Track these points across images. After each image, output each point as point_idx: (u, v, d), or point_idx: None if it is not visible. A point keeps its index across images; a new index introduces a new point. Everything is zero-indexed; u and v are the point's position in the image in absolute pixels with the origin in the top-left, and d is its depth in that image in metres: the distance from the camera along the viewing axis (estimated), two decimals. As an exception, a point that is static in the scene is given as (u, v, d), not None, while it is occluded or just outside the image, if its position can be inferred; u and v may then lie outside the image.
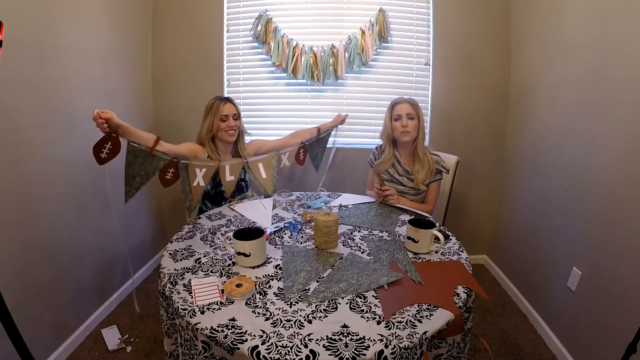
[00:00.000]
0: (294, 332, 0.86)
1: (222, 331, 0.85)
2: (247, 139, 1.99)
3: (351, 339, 0.83)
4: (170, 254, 1.23)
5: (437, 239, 1.26)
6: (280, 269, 1.14)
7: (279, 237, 1.37)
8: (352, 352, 0.79)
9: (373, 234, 1.42)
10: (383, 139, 1.92)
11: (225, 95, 2.35)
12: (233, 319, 0.90)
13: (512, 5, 2.29)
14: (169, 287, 1.04)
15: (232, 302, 0.96)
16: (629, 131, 1.37)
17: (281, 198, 1.85)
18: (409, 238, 1.26)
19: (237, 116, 1.82)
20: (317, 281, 1.07)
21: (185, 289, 1.03)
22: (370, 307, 0.95)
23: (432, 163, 1.79)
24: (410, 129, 1.78)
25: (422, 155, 1.80)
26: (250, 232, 1.16)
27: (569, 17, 1.76)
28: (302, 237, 1.38)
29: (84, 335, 1.83)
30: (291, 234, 1.39)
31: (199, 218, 1.57)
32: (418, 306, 0.96)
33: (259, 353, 0.79)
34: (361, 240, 1.36)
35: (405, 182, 1.84)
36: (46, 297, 1.58)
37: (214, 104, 1.79)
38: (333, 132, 2.15)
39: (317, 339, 0.83)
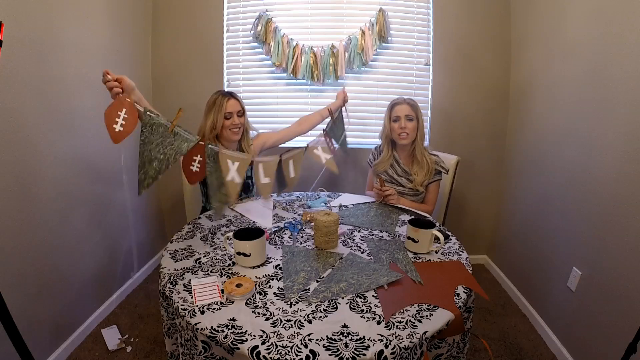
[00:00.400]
0: (294, 332, 0.86)
1: (222, 331, 0.85)
2: (251, 133, 1.90)
3: (351, 339, 0.83)
4: (170, 254, 1.23)
5: (437, 239, 1.26)
6: (280, 269, 1.14)
7: (279, 237, 1.37)
8: (352, 352, 0.79)
9: (373, 234, 1.41)
10: (382, 139, 1.91)
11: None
12: (233, 319, 0.90)
13: (512, 5, 2.29)
14: (169, 287, 1.04)
15: (232, 302, 0.96)
16: (629, 131, 1.37)
17: (281, 198, 1.85)
18: (409, 238, 1.26)
19: (241, 113, 1.73)
20: (317, 281, 1.07)
21: (185, 289, 1.03)
22: (370, 307, 0.95)
23: (430, 165, 1.78)
24: (409, 130, 1.77)
25: (420, 157, 1.80)
26: (250, 232, 1.16)
27: (569, 17, 1.76)
28: (302, 237, 1.38)
29: (84, 335, 1.83)
30: (291, 234, 1.39)
31: (199, 218, 1.57)
32: (418, 306, 0.96)
33: (259, 353, 0.79)
34: (361, 240, 1.36)
35: (404, 182, 1.83)
36: (46, 297, 1.58)
37: (217, 100, 1.68)
38: (344, 115, 1.89)
39: (317, 339, 0.83)
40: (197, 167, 1.13)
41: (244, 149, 1.82)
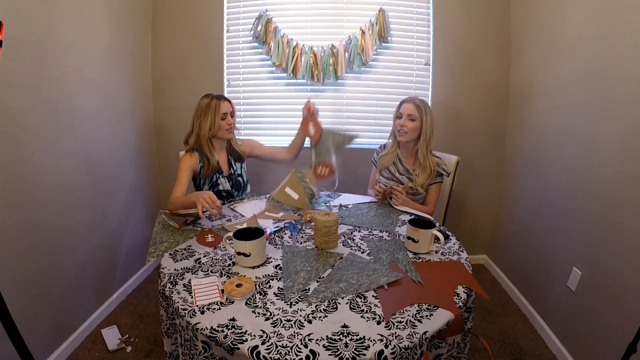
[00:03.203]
0: (294, 332, 0.86)
1: (222, 331, 0.85)
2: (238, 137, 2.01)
3: (351, 339, 0.83)
4: (170, 254, 1.23)
5: (437, 239, 1.26)
6: (280, 269, 1.14)
7: (279, 237, 1.37)
8: (352, 352, 0.79)
9: (373, 234, 1.41)
10: (390, 135, 1.93)
11: (225, 95, 2.36)
12: (233, 319, 0.90)
13: (512, 5, 2.29)
14: (169, 287, 1.04)
15: (232, 302, 0.96)
16: (629, 131, 1.38)
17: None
18: (409, 238, 1.26)
19: (233, 113, 1.84)
20: (317, 281, 1.07)
21: (185, 289, 1.03)
22: (370, 307, 0.95)
23: (432, 167, 1.79)
24: (408, 129, 1.78)
25: (422, 160, 1.80)
26: (250, 232, 1.16)
27: (569, 17, 1.76)
28: (302, 237, 1.38)
29: (84, 335, 1.83)
30: (291, 234, 1.39)
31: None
32: (418, 306, 0.96)
33: (259, 353, 0.79)
34: (361, 240, 1.36)
35: (404, 181, 1.84)
36: (46, 297, 1.58)
37: (212, 103, 1.75)
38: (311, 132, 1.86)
39: (317, 339, 0.83)
40: (211, 238, 1.37)
41: (233, 145, 1.92)
